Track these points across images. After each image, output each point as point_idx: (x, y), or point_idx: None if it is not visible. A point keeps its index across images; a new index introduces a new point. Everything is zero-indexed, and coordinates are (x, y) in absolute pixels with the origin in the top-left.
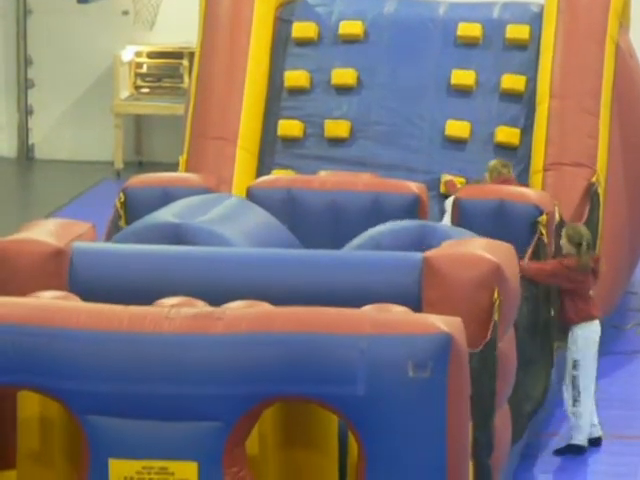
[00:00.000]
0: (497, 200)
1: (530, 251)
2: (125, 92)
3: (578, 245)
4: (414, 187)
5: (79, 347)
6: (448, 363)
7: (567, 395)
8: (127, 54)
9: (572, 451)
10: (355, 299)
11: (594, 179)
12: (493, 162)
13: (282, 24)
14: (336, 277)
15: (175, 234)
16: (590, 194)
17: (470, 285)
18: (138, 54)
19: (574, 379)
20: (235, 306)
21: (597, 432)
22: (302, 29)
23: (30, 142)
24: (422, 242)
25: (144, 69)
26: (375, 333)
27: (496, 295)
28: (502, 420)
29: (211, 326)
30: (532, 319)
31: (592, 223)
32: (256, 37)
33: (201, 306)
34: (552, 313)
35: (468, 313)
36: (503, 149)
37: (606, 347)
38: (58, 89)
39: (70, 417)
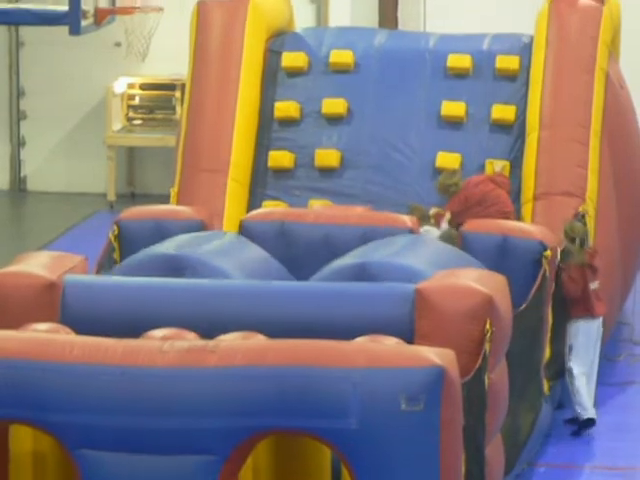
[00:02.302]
0: (501, 235)
1: (537, 285)
2: (118, 124)
3: (572, 240)
4: (407, 221)
5: (72, 380)
6: (441, 396)
7: (567, 376)
8: (119, 86)
9: (581, 425)
10: (348, 330)
11: (581, 208)
12: (439, 179)
13: (272, 55)
14: (329, 309)
15: (173, 265)
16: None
17: (462, 316)
18: (130, 86)
19: (568, 362)
20: (229, 338)
21: (592, 412)
22: (292, 59)
23: (22, 174)
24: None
25: (136, 101)
26: (368, 366)
27: (488, 326)
28: (494, 451)
29: (205, 359)
30: (526, 352)
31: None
32: (246, 68)
33: (191, 338)
34: (546, 353)
35: (460, 344)
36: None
37: (599, 378)
38: (50, 121)
39: (63, 451)
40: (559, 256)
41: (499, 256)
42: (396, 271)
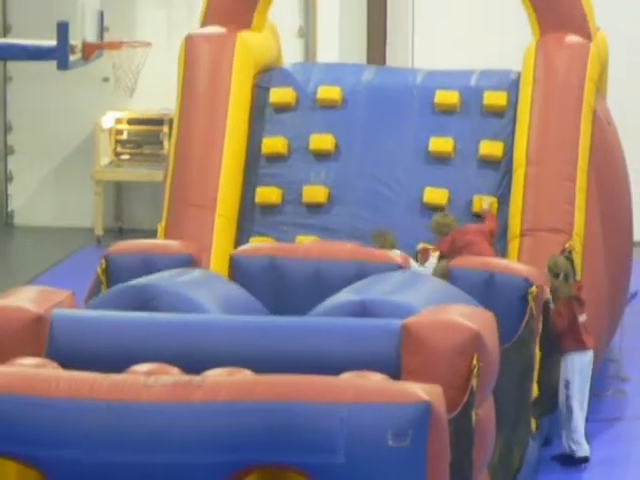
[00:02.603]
0: (488, 272)
1: (523, 325)
2: (105, 159)
3: (556, 275)
4: (397, 257)
5: (58, 415)
6: (428, 432)
7: (561, 411)
8: (107, 121)
9: (575, 462)
10: (335, 366)
11: (568, 245)
12: (434, 218)
13: (260, 91)
14: (316, 344)
15: (144, 297)
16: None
17: (449, 352)
18: (118, 121)
19: (567, 399)
20: (215, 374)
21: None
22: (280, 95)
23: (10, 209)
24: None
25: (124, 136)
26: (355, 401)
27: (475, 362)
28: None
29: (190, 394)
30: (514, 389)
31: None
32: (234, 104)
33: (175, 373)
34: (535, 391)
35: (447, 380)
36: (480, 217)
37: (588, 414)
38: (38, 155)
39: None
40: (547, 293)
41: (486, 292)
42: (394, 309)
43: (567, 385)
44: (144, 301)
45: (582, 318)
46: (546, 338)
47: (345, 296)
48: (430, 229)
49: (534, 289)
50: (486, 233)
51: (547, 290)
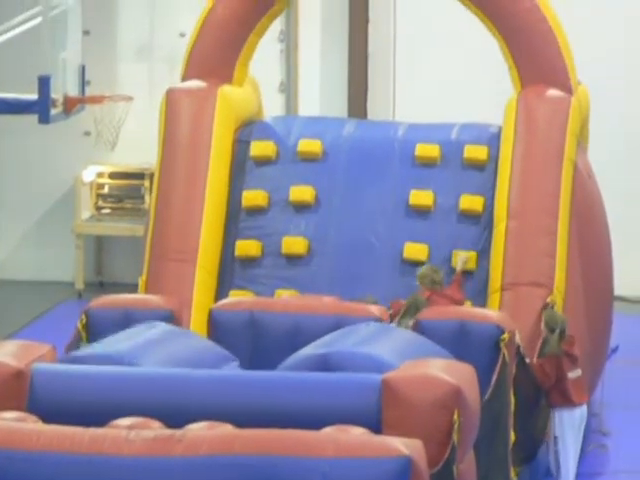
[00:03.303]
0: (458, 321)
1: (497, 372)
2: (86, 212)
3: (552, 330)
4: (375, 310)
5: (38, 469)
6: None
7: (551, 466)
8: (88, 174)
9: None
10: (315, 420)
11: (549, 299)
12: (423, 269)
13: (240, 145)
14: (296, 398)
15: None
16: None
17: (429, 407)
18: (99, 175)
19: (556, 453)
20: (196, 428)
21: None
22: (260, 148)
23: None
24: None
25: (105, 190)
26: (336, 456)
27: (456, 417)
28: None
29: (171, 449)
30: (491, 438)
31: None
32: (215, 158)
33: (157, 427)
34: (513, 438)
35: (428, 434)
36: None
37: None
38: (19, 209)
39: None
40: (518, 339)
41: (457, 342)
42: (360, 361)
43: (555, 441)
44: None
45: (574, 374)
46: (521, 384)
47: (310, 350)
48: (409, 284)
49: (506, 335)
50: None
51: (518, 336)
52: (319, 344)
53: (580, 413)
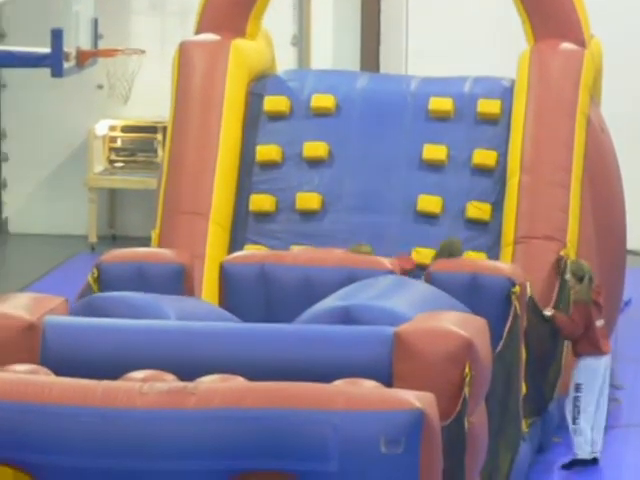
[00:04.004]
0: (470, 273)
1: (508, 325)
2: (99, 166)
3: (581, 279)
4: (387, 263)
5: (51, 422)
6: (420, 439)
7: (568, 414)
8: (101, 128)
9: (578, 464)
10: (326, 374)
11: (563, 253)
12: (442, 243)
13: (254, 98)
14: (308, 352)
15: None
16: (559, 268)
17: (441, 360)
18: (112, 128)
19: (575, 400)
20: (208, 380)
21: (597, 449)
22: (274, 103)
23: (4, 216)
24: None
25: (118, 143)
26: (348, 409)
27: (467, 370)
28: None
29: (184, 401)
30: (503, 390)
31: (563, 296)
32: (228, 111)
33: (171, 380)
34: (524, 390)
35: (439, 388)
36: (474, 224)
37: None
38: (32, 163)
39: None
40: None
41: (469, 295)
42: (379, 314)
43: (578, 388)
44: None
45: (599, 323)
46: (533, 337)
47: (330, 302)
48: (423, 236)
49: (517, 288)
50: None
51: (530, 289)
52: (338, 296)
53: (605, 362)
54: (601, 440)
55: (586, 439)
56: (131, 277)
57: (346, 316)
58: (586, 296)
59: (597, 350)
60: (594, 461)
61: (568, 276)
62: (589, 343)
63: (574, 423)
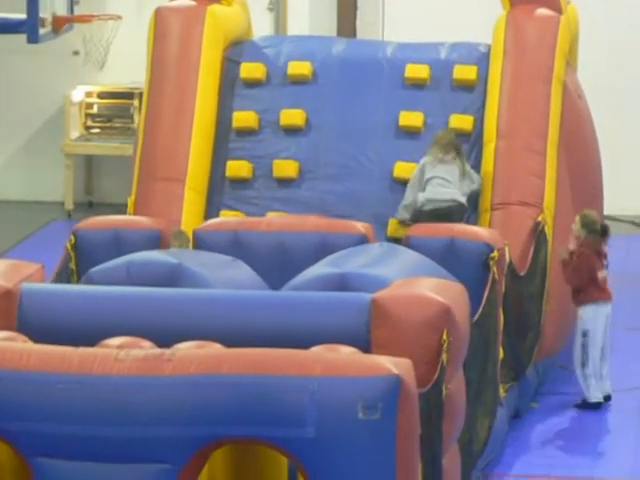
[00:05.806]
0: (448, 238)
1: (488, 289)
2: (76, 132)
3: (592, 230)
4: (361, 227)
5: (27, 388)
6: (398, 405)
7: (576, 359)
8: (77, 94)
9: (589, 407)
10: (303, 340)
11: (540, 218)
12: (440, 134)
13: (230, 64)
14: (284, 318)
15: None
16: (536, 233)
17: (419, 326)
18: (88, 94)
19: (583, 346)
20: (184, 347)
21: (608, 389)
22: (250, 70)
23: None
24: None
25: (95, 109)
26: (325, 375)
27: (445, 336)
28: (451, 461)
29: (160, 368)
30: (480, 356)
31: (539, 262)
32: (204, 77)
33: (148, 346)
34: (502, 355)
35: (417, 354)
36: None
37: (552, 387)
38: (8, 129)
39: (19, 460)
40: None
41: (447, 259)
42: (374, 282)
43: (586, 333)
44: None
45: (604, 273)
46: (510, 302)
47: (322, 269)
48: (400, 202)
49: (496, 254)
50: None
51: (508, 253)
52: (330, 262)
53: (607, 310)
54: (609, 382)
55: (592, 382)
56: (108, 244)
57: (341, 283)
58: (599, 245)
59: (606, 296)
60: (605, 400)
61: (576, 227)
62: (598, 289)
63: (583, 368)
